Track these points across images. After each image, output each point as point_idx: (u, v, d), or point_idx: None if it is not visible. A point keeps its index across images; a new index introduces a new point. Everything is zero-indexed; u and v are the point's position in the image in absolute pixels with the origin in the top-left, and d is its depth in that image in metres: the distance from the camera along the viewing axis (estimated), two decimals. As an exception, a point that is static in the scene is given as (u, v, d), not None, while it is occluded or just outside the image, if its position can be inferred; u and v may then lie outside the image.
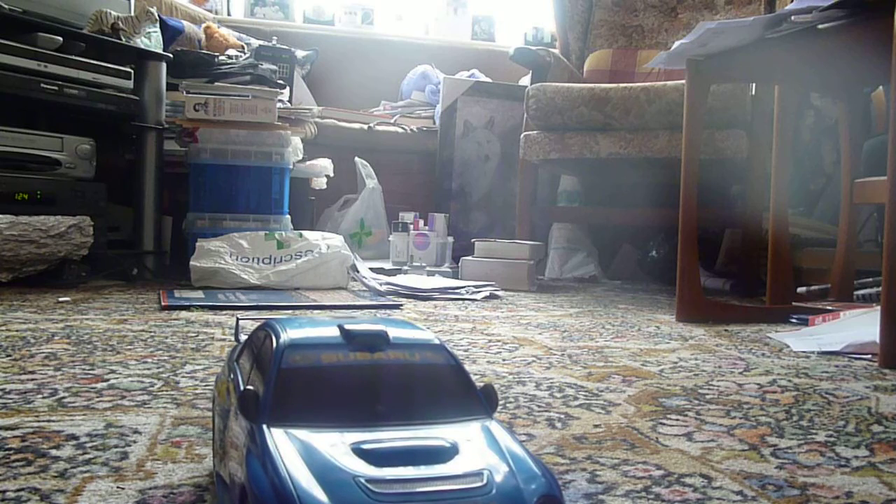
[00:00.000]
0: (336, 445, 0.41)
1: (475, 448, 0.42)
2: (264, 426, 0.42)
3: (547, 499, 0.39)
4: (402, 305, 1.84)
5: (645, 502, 0.59)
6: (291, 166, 2.40)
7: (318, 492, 0.36)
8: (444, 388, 0.47)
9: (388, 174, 3.10)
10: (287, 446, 0.40)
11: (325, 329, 0.49)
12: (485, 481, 0.39)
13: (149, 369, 1.02)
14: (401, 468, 0.39)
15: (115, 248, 2.20)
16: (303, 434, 0.42)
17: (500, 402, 0.87)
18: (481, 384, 0.49)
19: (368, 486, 0.37)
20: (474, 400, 0.48)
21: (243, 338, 0.60)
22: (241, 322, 0.74)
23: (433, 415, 0.45)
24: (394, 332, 0.49)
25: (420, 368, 0.47)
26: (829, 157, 2.69)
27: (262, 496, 0.37)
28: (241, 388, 0.48)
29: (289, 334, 0.48)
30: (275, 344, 0.48)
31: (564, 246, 2.98)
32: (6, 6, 2.06)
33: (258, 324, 0.55)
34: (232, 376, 0.54)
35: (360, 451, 0.40)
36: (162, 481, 0.60)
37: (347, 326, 0.48)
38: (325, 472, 0.38)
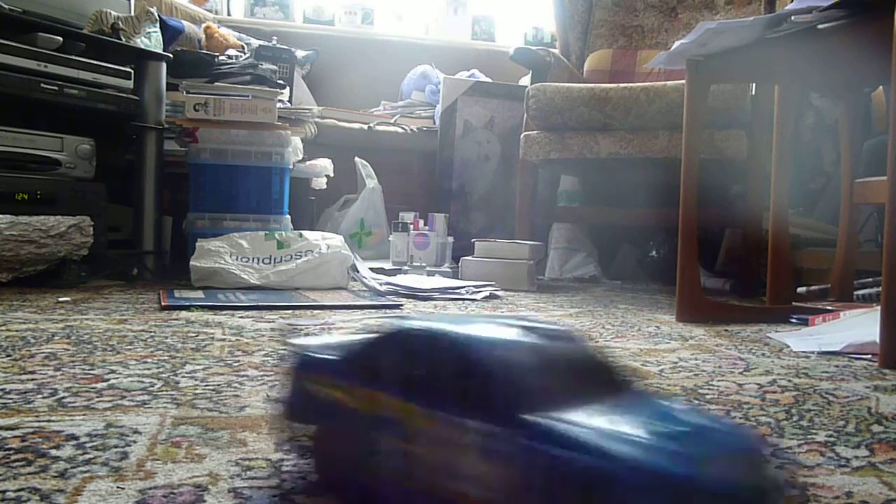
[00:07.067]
0: None
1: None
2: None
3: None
4: (402, 305, 1.84)
5: (645, 502, 0.59)
6: (291, 166, 2.40)
7: None
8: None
9: (388, 174, 3.10)
10: None
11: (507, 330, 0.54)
12: None
13: (149, 369, 1.02)
14: None
15: (115, 248, 2.20)
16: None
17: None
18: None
19: None
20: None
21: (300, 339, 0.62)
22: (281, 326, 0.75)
23: None
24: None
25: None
26: (829, 157, 2.69)
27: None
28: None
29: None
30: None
31: (564, 246, 2.98)
32: (6, 6, 2.06)
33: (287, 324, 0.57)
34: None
35: None
36: (162, 481, 0.60)
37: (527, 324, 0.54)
38: None
